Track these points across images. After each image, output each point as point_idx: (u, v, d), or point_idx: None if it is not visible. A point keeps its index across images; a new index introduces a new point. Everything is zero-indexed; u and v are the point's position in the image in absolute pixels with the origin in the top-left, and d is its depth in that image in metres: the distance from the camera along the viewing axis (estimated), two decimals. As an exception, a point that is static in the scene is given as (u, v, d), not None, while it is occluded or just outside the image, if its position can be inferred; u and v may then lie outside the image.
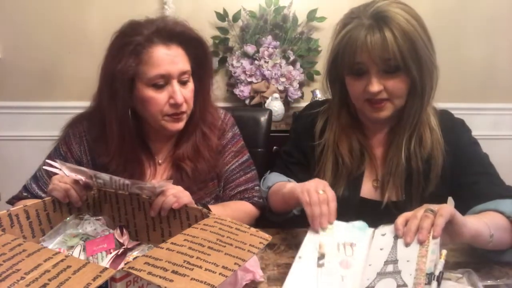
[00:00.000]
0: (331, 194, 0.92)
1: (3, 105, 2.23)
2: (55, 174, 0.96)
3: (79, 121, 1.19)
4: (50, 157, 1.18)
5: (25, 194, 1.14)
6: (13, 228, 0.84)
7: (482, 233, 0.84)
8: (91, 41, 2.15)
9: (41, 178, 1.14)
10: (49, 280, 0.56)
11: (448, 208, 0.78)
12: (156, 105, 1.05)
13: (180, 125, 1.11)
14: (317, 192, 0.91)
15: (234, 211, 1.13)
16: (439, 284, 0.69)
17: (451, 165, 1.06)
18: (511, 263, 0.92)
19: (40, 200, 0.91)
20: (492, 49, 2.30)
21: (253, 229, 0.77)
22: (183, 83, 1.07)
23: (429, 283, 0.69)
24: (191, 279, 0.59)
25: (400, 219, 0.80)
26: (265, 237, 0.75)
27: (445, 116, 1.12)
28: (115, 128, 1.07)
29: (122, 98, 1.04)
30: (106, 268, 0.59)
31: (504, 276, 0.87)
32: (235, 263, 0.64)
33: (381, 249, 0.80)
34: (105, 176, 0.92)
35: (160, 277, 0.58)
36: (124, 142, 1.08)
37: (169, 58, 1.04)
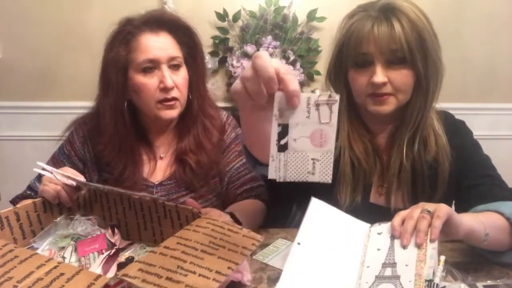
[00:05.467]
0: None
1: (3, 105, 2.23)
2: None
3: (83, 121, 1.20)
4: (54, 156, 1.19)
5: (28, 192, 1.15)
6: (3, 230, 0.85)
7: (476, 231, 0.83)
8: (91, 41, 2.14)
9: None
10: None
11: (445, 208, 0.77)
12: (147, 91, 1.07)
13: (173, 112, 1.11)
14: None
15: (254, 212, 1.14)
16: None
17: (455, 169, 1.05)
18: (511, 264, 0.92)
19: (30, 201, 0.92)
20: (492, 49, 2.29)
21: (245, 230, 0.76)
22: (174, 68, 1.09)
23: None
24: (186, 286, 0.58)
25: (397, 219, 0.79)
26: (257, 238, 0.74)
27: (447, 118, 1.11)
28: (108, 116, 1.09)
29: (115, 87, 1.07)
30: (99, 276, 0.58)
31: (504, 276, 0.87)
32: (228, 267, 0.64)
33: (378, 250, 0.79)
34: (99, 186, 0.93)
35: (155, 284, 0.57)
36: (118, 131, 1.10)
37: (157, 45, 1.07)
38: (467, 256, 0.96)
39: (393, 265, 0.74)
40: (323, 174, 0.62)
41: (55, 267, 0.60)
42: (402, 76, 0.96)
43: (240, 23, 2.19)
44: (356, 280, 0.76)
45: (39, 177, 1.15)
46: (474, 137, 1.12)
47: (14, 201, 1.15)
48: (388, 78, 0.96)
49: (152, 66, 1.07)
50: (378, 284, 0.73)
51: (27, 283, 0.57)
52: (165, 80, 1.06)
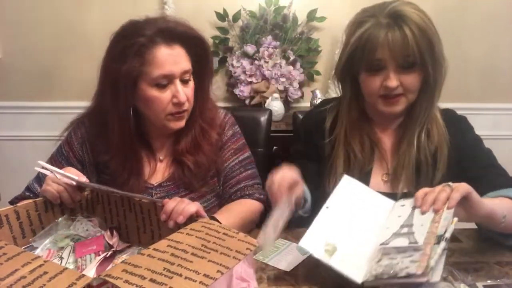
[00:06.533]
0: None
1: (3, 105, 2.24)
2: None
3: (81, 122, 1.19)
4: (52, 157, 1.19)
5: (27, 194, 1.15)
6: (2, 228, 0.84)
7: (496, 213, 0.88)
8: (91, 41, 2.15)
9: (43, 177, 1.14)
10: (24, 287, 0.55)
11: (465, 185, 0.82)
12: (160, 105, 1.06)
13: (182, 123, 1.12)
14: None
15: (242, 213, 1.13)
16: (447, 243, 0.75)
17: (457, 159, 1.09)
18: (511, 263, 0.93)
19: (31, 201, 0.91)
20: (492, 49, 2.29)
21: (241, 234, 0.74)
22: (184, 82, 1.08)
23: (438, 242, 0.75)
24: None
25: (420, 192, 0.85)
26: (252, 242, 0.73)
27: (449, 113, 1.16)
28: (116, 127, 1.08)
29: (125, 99, 1.05)
30: (82, 275, 0.57)
31: (504, 276, 0.87)
32: (217, 271, 0.62)
33: (399, 216, 0.86)
34: (101, 187, 0.93)
35: (137, 285, 0.56)
36: (124, 140, 1.09)
37: (172, 58, 1.05)
38: (467, 256, 0.96)
39: (409, 226, 0.82)
40: None
41: (40, 266, 0.60)
42: (413, 78, 1.03)
43: (240, 23, 2.19)
44: (375, 241, 0.84)
45: (38, 178, 1.15)
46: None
47: (13, 202, 1.14)
48: (400, 81, 1.03)
49: (166, 82, 1.06)
50: (393, 239, 0.81)
51: (9, 281, 0.56)
52: (179, 95, 1.05)
